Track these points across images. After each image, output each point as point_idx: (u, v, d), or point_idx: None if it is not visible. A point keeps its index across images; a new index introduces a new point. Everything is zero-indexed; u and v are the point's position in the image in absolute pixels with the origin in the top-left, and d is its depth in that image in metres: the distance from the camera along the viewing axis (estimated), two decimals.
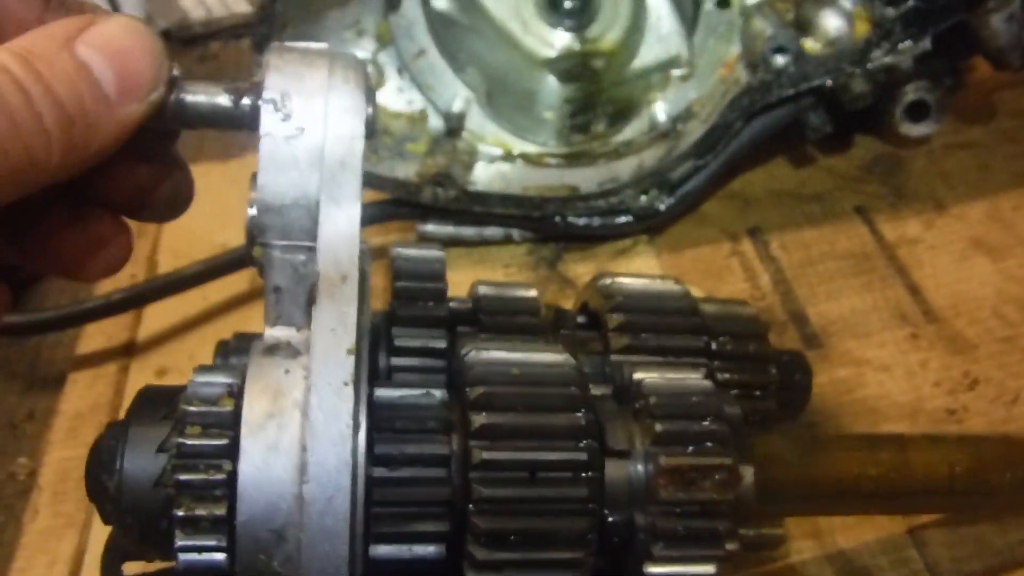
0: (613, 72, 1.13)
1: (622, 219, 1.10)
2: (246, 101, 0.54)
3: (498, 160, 1.14)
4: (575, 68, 1.12)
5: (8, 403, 1.05)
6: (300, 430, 0.50)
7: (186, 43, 1.53)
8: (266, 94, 0.53)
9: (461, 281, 0.73)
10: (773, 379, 0.71)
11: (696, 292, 0.76)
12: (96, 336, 1.09)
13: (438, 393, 0.58)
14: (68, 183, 0.52)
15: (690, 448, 0.58)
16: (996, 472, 0.68)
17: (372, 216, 1.10)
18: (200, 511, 0.51)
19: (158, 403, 0.57)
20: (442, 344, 0.64)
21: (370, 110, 0.55)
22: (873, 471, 0.65)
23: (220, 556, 0.51)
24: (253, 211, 0.53)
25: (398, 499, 0.55)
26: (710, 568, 0.59)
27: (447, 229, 1.12)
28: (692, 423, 0.59)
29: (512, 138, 1.15)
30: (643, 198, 1.09)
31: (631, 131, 1.15)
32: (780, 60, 1.02)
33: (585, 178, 1.12)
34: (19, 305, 1.12)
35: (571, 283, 1.08)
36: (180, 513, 0.51)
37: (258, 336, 0.54)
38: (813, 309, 1.01)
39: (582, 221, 1.10)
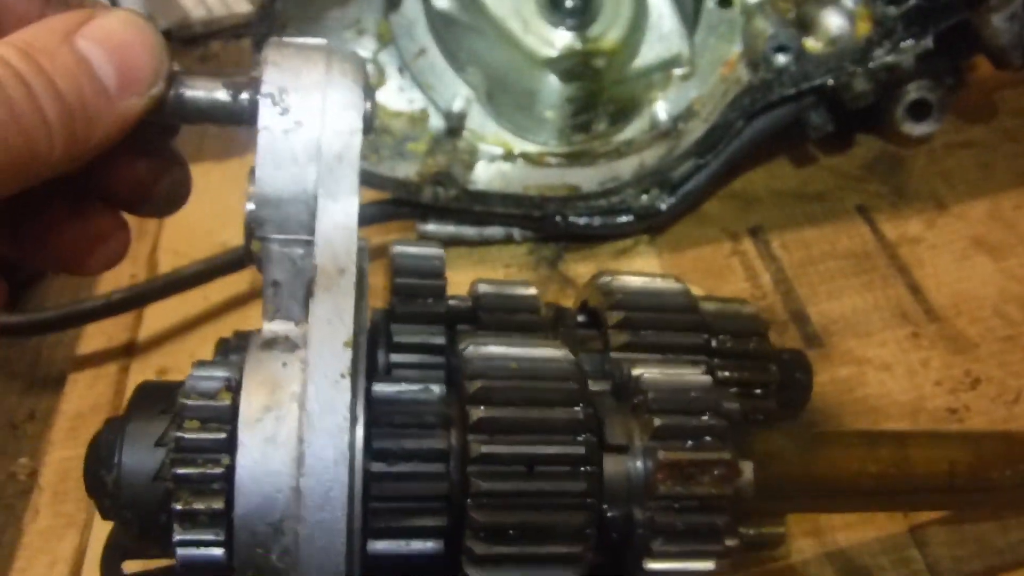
0: (614, 71, 1.13)
1: (623, 218, 1.10)
2: (244, 96, 0.54)
3: (499, 159, 1.13)
4: (576, 67, 1.12)
5: (9, 403, 1.05)
6: (298, 423, 0.50)
7: (187, 43, 1.53)
8: (264, 88, 0.53)
9: (462, 281, 0.73)
10: (773, 377, 0.71)
11: (697, 291, 0.75)
12: (96, 336, 1.09)
13: (436, 388, 0.58)
14: (67, 177, 0.52)
15: (689, 443, 0.58)
16: (997, 469, 0.67)
17: (372, 216, 1.10)
18: (198, 505, 0.51)
19: (156, 398, 0.57)
20: (441, 340, 0.64)
21: (368, 105, 0.55)
22: (873, 468, 0.65)
23: (218, 551, 0.51)
24: (251, 205, 0.53)
25: (396, 494, 0.55)
26: (709, 564, 0.59)
27: (448, 229, 1.12)
28: (691, 418, 0.59)
29: (513, 137, 1.15)
30: (644, 197, 1.09)
31: (632, 130, 1.15)
32: (781, 59, 1.02)
33: (586, 177, 1.12)
34: (19, 305, 1.12)
35: (572, 283, 1.08)
36: (178, 507, 0.51)
37: (256, 331, 0.54)
38: (814, 308, 1.01)
39: (583, 220, 1.10)
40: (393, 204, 1.10)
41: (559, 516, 0.56)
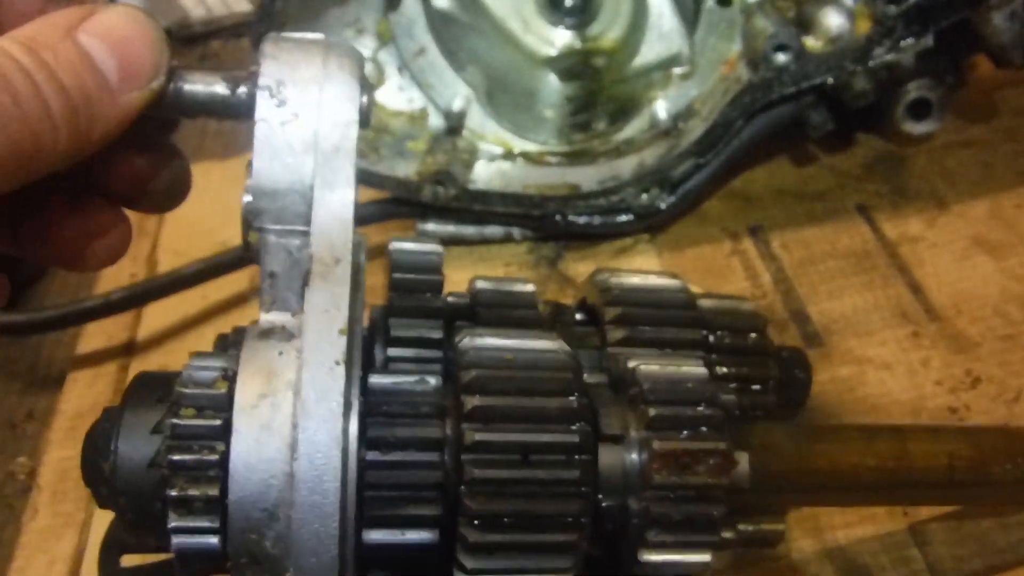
0: (614, 70, 1.13)
1: (623, 218, 1.10)
2: (242, 89, 0.54)
3: (498, 158, 1.13)
4: (576, 66, 1.12)
5: (8, 402, 1.05)
6: (292, 410, 0.50)
7: (187, 42, 1.53)
8: (261, 81, 0.54)
9: (461, 280, 0.73)
10: (772, 373, 0.71)
11: (697, 291, 0.75)
12: (96, 335, 1.09)
13: (432, 380, 0.59)
14: (68, 173, 0.53)
15: (684, 433, 0.58)
16: (997, 463, 0.67)
17: (372, 215, 1.10)
18: (193, 491, 0.51)
19: (154, 387, 0.58)
20: (438, 334, 0.64)
21: (364, 98, 0.56)
22: (871, 461, 0.65)
23: (213, 538, 0.52)
24: (248, 197, 0.54)
25: (391, 482, 0.55)
26: (706, 556, 0.59)
27: (447, 228, 1.12)
28: (686, 408, 0.59)
29: (512, 136, 1.15)
30: (644, 196, 1.09)
31: (632, 129, 1.14)
32: (781, 58, 1.01)
33: (586, 176, 1.12)
34: (19, 304, 1.12)
35: (572, 282, 1.08)
36: (173, 493, 0.51)
37: (254, 322, 0.55)
38: (814, 308, 1.01)
39: (583, 220, 1.10)
40: (393, 203, 1.10)
41: (553, 504, 0.56)
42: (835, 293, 1.02)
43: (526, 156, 1.14)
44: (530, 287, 0.71)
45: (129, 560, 0.66)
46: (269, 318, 0.54)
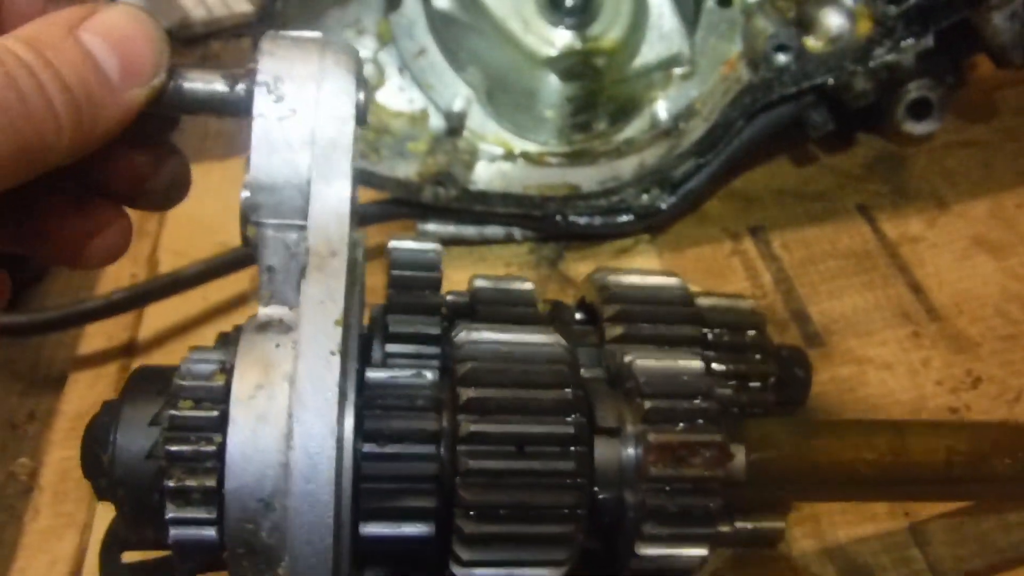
0: (614, 70, 1.13)
1: (623, 218, 1.10)
2: (241, 86, 0.55)
3: (499, 159, 1.13)
4: (576, 66, 1.12)
5: (9, 403, 1.05)
6: (288, 400, 0.50)
7: (187, 42, 1.53)
8: (259, 77, 0.54)
9: (463, 280, 0.73)
10: (771, 370, 0.71)
11: (696, 290, 0.75)
12: (97, 336, 1.09)
13: (429, 374, 0.59)
14: (68, 170, 0.53)
15: (680, 426, 0.58)
16: (996, 457, 0.66)
17: (373, 215, 1.10)
18: (190, 482, 0.52)
19: (152, 381, 0.58)
20: (435, 330, 0.64)
21: (361, 95, 0.56)
22: (869, 455, 0.65)
23: (210, 530, 0.52)
24: (246, 193, 0.54)
25: (387, 474, 0.55)
26: (703, 550, 0.59)
27: (448, 228, 1.12)
28: (682, 401, 0.59)
29: (513, 137, 1.15)
30: (644, 197, 1.09)
31: (632, 130, 1.14)
32: (782, 58, 1.02)
33: (586, 177, 1.12)
34: (20, 305, 1.12)
35: (572, 282, 1.08)
36: (171, 484, 0.52)
37: (252, 316, 0.55)
38: (815, 308, 1.01)
39: (583, 220, 1.10)
40: (393, 204, 1.10)
41: (549, 495, 0.56)
42: (836, 293, 1.02)
43: (527, 157, 1.14)
44: (529, 285, 0.71)
45: (129, 557, 0.66)
46: (267, 312, 0.55)
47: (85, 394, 1.04)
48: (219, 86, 0.55)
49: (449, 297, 0.69)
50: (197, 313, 1.10)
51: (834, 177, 1.14)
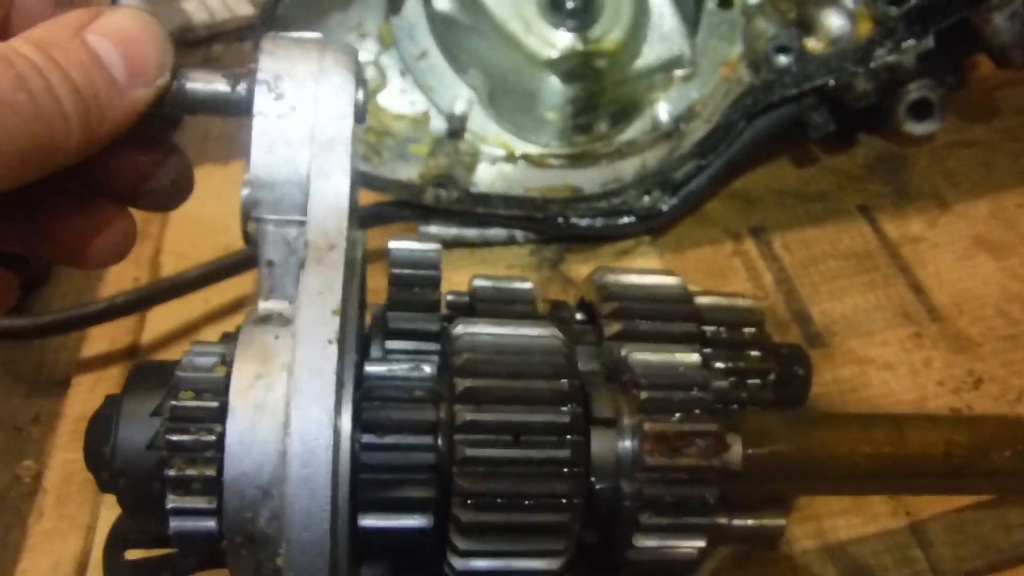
0: (615, 72, 1.13)
1: (625, 219, 1.10)
2: (242, 86, 0.56)
3: (500, 161, 1.14)
4: (577, 68, 1.12)
5: (13, 406, 1.05)
6: (286, 389, 0.51)
7: (189, 46, 1.54)
8: (259, 76, 0.56)
9: (464, 283, 0.74)
10: (770, 367, 0.71)
11: (696, 290, 0.75)
12: (100, 339, 1.10)
13: (427, 367, 0.60)
14: (72, 170, 0.54)
15: (676, 416, 0.59)
16: (995, 451, 0.66)
17: (375, 217, 1.10)
18: (191, 471, 0.52)
19: (154, 375, 0.59)
20: (435, 327, 0.65)
21: (359, 93, 0.57)
22: (868, 448, 0.65)
23: (210, 520, 0.52)
24: (246, 190, 0.56)
25: (384, 464, 0.56)
26: (700, 542, 0.59)
27: (450, 230, 1.12)
28: (677, 392, 0.60)
29: (514, 139, 1.15)
30: (646, 198, 1.09)
31: (633, 131, 1.15)
32: (782, 60, 1.02)
33: (587, 179, 1.12)
34: (24, 309, 1.12)
35: (573, 284, 1.08)
36: (172, 473, 0.52)
37: (252, 310, 0.56)
38: (816, 308, 1.01)
39: (585, 222, 1.10)
40: (395, 206, 1.10)
41: (545, 484, 0.57)
42: (837, 293, 1.02)
43: (528, 158, 1.14)
44: (528, 284, 0.71)
45: (133, 555, 0.66)
46: (267, 305, 0.56)
47: (88, 397, 1.04)
48: (221, 86, 0.56)
49: (449, 296, 0.70)
50: (199, 316, 1.10)
51: (835, 177, 1.14)
